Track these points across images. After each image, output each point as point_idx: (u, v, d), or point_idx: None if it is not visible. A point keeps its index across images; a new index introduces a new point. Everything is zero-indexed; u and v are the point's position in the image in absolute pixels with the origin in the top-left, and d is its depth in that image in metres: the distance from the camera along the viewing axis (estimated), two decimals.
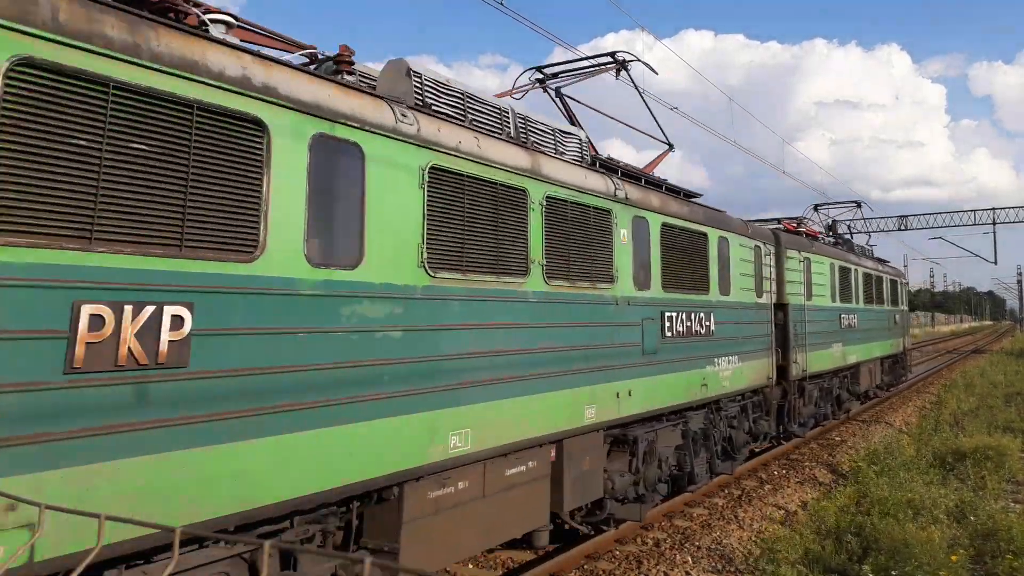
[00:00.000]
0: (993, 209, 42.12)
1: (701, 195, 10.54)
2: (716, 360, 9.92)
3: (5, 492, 2.97)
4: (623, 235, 7.85)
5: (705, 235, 9.80)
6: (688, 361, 9.10)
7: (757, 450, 13.16)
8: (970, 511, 8.82)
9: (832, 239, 18.88)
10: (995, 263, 44.08)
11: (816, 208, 21.25)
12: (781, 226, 15.49)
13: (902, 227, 44.61)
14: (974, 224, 42.96)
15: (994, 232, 42.41)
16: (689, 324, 9.12)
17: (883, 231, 45.52)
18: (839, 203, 22.09)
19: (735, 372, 10.55)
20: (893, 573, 6.87)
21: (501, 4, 9.01)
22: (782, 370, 12.53)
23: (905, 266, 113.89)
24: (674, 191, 9.74)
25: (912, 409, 20.03)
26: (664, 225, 8.70)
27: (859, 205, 22.38)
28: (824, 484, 11.40)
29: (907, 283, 26.06)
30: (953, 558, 7.08)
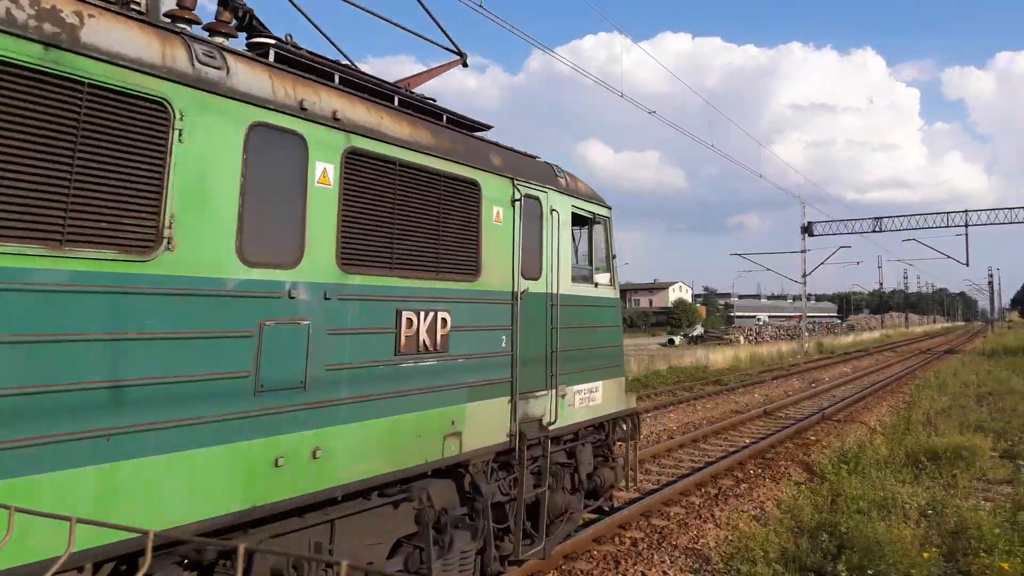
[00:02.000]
0: (966, 211, 42.75)
1: None
2: None
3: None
4: None
5: None
6: None
7: None
8: (941, 509, 8.95)
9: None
10: (967, 264, 44.82)
11: None
12: None
13: (877, 229, 45.24)
14: (947, 226, 43.56)
15: (966, 234, 43.08)
16: None
17: (858, 233, 46.20)
18: None
19: None
20: (869, 572, 6.95)
21: (480, 6, 9.00)
22: None
23: (880, 267, 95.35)
24: None
25: (886, 409, 20.31)
26: None
27: None
28: (799, 482, 11.52)
29: (605, 217, 8.20)
30: (925, 555, 7.19)
